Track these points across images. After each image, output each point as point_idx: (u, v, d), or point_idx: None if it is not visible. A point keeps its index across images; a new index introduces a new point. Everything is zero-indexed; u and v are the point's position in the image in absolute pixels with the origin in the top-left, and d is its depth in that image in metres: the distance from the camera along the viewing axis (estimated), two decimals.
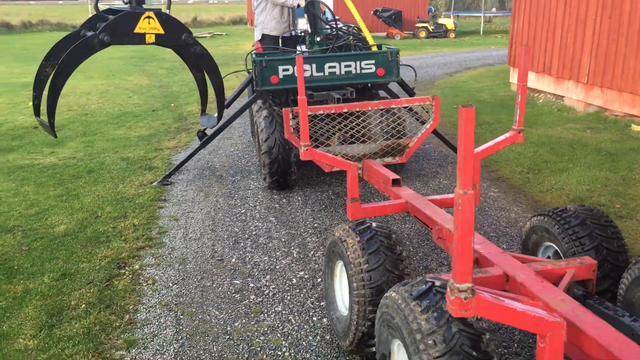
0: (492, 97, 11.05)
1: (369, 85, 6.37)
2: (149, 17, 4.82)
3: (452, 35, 28.00)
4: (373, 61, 5.95)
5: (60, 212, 5.68)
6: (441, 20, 28.98)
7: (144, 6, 4.97)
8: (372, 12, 27.56)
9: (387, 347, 2.64)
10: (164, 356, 3.40)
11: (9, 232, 5.22)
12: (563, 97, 9.98)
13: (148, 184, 6.47)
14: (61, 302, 4.01)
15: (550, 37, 10.01)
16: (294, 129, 4.77)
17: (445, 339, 2.29)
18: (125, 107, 11.23)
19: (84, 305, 3.95)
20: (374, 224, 3.33)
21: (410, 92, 6.79)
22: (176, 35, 5.04)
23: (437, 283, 2.50)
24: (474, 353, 2.27)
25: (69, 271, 4.44)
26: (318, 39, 6.46)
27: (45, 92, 5.07)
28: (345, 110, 4.90)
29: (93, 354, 3.40)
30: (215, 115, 6.02)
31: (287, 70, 5.83)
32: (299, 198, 5.94)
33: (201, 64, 5.48)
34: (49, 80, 4.95)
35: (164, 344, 3.51)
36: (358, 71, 5.95)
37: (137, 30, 4.84)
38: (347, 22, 8.41)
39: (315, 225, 5.23)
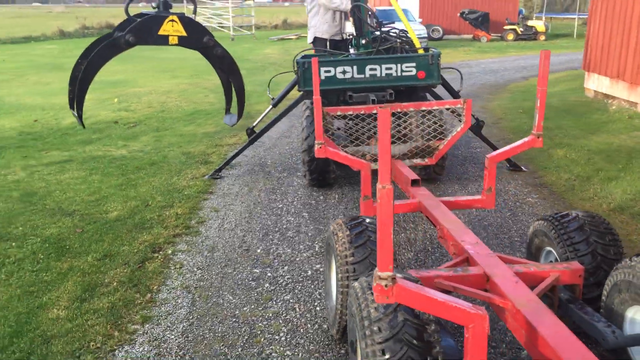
0: (561, 102, 10.73)
1: (415, 87, 6.44)
2: (172, 20, 5.21)
3: (542, 37, 27.12)
4: (414, 64, 6.04)
5: (116, 199, 6.18)
6: (531, 23, 28.11)
7: (171, 10, 5.37)
8: (459, 14, 27.20)
9: (354, 335, 2.80)
10: (172, 332, 3.71)
11: (69, 216, 5.75)
12: (637, 103, 9.56)
13: (200, 177, 6.88)
14: (97, 279, 4.43)
15: (625, 42, 9.61)
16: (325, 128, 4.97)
17: (389, 326, 2.42)
18: (199, 105, 11.83)
19: (115, 284, 4.35)
20: (367, 220, 3.48)
21: (455, 95, 6.80)
22: (198, 38, 5.41)
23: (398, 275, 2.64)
24: (415, 342, 2.40)
25: (110, 252, 4.88)
26: (363, 41, 6.62)
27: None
28: (374, 111, 5.05)
29: (111, 326, 3.76)
30: (236, 114, 6.37)
31: (329, 71, 6.03)
32: (336, 196, 6.14)
33: (223, 65, 5.82)
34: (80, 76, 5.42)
35: (175, 322, 3.83)
36: (399, 74, 6.05)
37: (161, 32, 5.23)
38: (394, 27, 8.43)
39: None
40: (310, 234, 5.17)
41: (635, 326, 2.86)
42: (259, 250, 4.89)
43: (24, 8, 64.99)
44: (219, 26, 30.94)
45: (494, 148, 6.83)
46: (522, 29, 27.37)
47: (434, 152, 5.23)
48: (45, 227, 5.48)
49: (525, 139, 4.36)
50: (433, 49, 6.43)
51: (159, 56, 21.38)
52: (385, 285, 2.08)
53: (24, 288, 4.32)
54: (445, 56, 19.72)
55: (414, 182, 4.57)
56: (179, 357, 3.46)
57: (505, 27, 27.39)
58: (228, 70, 5.91)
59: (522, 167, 6.79)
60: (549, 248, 3.58)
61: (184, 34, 5.34)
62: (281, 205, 5.94)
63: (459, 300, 2.19)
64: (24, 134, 9.73)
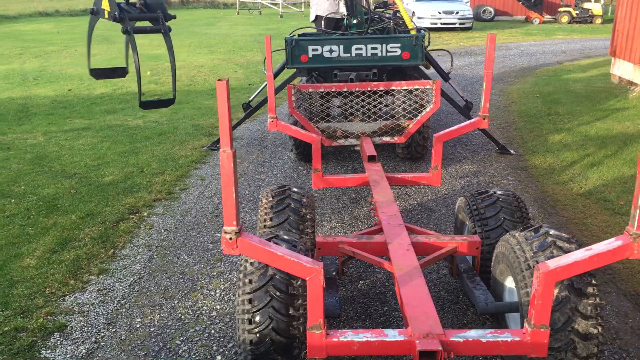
0: (584, 88, 10.54)
1: (403, 67, 6.56)
2: None
3: (599, 21, 26.16)
4: (399, 45, 6.17)
5: (116, 165, 6.62)
6: (587, 5, 27.14)
7: None
8: None
9: None
10: (122, 284, 4.08)
11: (69, 178, 6.23)
12: None
13: (199, 148, 7.25)
14: (73, 235, 4.85)
15: None
16: (295, 104, 5.22)
17: (259, 279, 2.70)
18: (224, 78, 12.17)
19: (87, 239, 4.76)
20: (294, 189, 3.73)
21: (444, 76, 6.90)
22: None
23: (280, 236, 2.91)
24: (279, 294, 2.66)
25: (93, 212, 5.30)
26: (355, 21, 6.77)
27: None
28: (344, 89, 5.26)
29: (69, 276, 4.17)
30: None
31: (316, 50, 6.24)
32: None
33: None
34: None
35: (127, 275, 4.20)
36: (384, 54, 6.20)
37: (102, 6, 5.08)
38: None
39: (316, 195, 5.66)
40: None
41: (512, 295, 3.03)
42: None
43: None
44: (270, 3, 31.24)
45: (484, 132, 6.89)
46: (577, 12, 26.49)
47: (403, 130, 5.40)
48: (45, 187, 5.96)
49: (472, 120, 4.50)
50: (422, 31, 6.54)
51: (205, 32, 21.91)
52: (230, 238, 2.35)
53: (8, 239, 4.79)
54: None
55: (370, 158, 4.78)
56: (120, 304, 3.82)
57: (560, 9, 26.58)
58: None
59: (511, 151, 6.84)
60: (467, 223, 3.75)
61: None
62: (265, 177, 6.23)
63: (297, 255, 2.43)
64: (56, 102, 10.35)
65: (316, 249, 3.45)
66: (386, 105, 5.58)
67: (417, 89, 5.41)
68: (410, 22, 6.84)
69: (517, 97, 9.98)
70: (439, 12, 21.51)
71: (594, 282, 2.66)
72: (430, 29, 21.54)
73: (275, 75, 7.15)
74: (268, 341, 2.64)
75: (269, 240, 2.86)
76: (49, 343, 3.41)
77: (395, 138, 5.40)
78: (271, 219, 3.53)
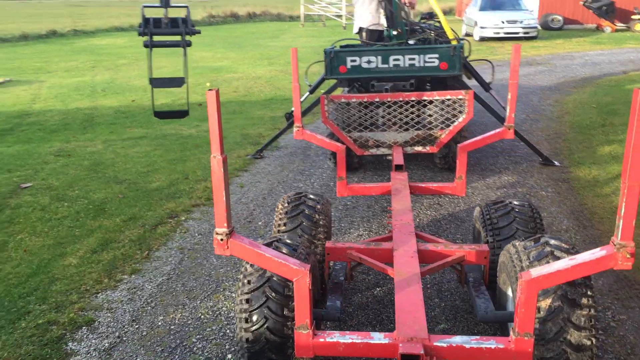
0: None
1: (443, 78, 6.57)
2: None
3: None
4: (436, 55, 6.19)
5: (164, 172, 6.93)
6: None
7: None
8: (582, 2, 25.77)
9: None
10: (151, 283, 4.30)
11: (119, 184, 6.57)
12: None
13: (244, 156, 7.48)
14: (114, 237, 5.14)
15: None
16: (329, 114, 5.34)
17: (257, 280, 2.82)
18: (280, 92, 12.47)
19: (126, 241, 5.03)
20: (310, 196, 3.84)
21: (485, 86, 6.84)
22: None
23: (265, 241, 3.03)
24: (274, 295, 2.77)
25: (135, 216, 5.59)
26: (394, 33, 6.82)
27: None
28: (376, 99, 5.33)
29: (104, 275, 4.43)
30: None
31: (355, 61, 6.35)
32: (355, 179, 6.47)
33: None
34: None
35: (157, 275, 4.42)
36: (422, 64, 6.23)
37: None
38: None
39: (348, 203, 5.74)
40: None
41: (513, 304, 3.02)
42: (260, 223, 5.37)
43: None
44: (334, 15, 31.56)
45: (526, 142, 6.78)
46: None
47: (436, 140, 5.41)
48: (96, 191, 6.32)
49: (497, 130, 4.49)
50: (462, 41, 6.53)
51: (269, 44, 22.41)
52: (221, 239, 2.48)
53: (56, 240, 5.13)
54: (550, 47, 18.97)
55: (397, 167, 4.83)
56: (146, 303, 4.04)
57: (633, 17, 25.55)
58: None
59: (555, 162, 6.70)
60: (483, 232, 3.75)
61: None
62: (302, 185, 6.37)
63: (285, 257, 2.54)
64: (119, 112, 10.90)
65: (325, 254, 3.54)
66: (417, 116, 5.61)
67: (449, 99, 5.43)
68: (451, 33, 6.84)
69: (572, 108, 9.73)
70: (502, 22, 21.16)
71: (589, 293, 2.63)
72: (492, 39, 21.35)
73: (317, 86, 7.33)
74: (263, 340, 2.75)
75: (271, 243, 2.98)
76: (76, 336, 3.65)
77: (427, 148, 5.41)
78: (285, 224, 3.65)
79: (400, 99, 5.34)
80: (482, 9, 22.57)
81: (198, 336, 3.61)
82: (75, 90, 13.38)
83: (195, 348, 3.50)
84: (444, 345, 2.47)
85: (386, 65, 6.31)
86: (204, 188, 6.31)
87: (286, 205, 3.75)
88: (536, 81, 12.60)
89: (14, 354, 3.44)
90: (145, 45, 5.23)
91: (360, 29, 7.69)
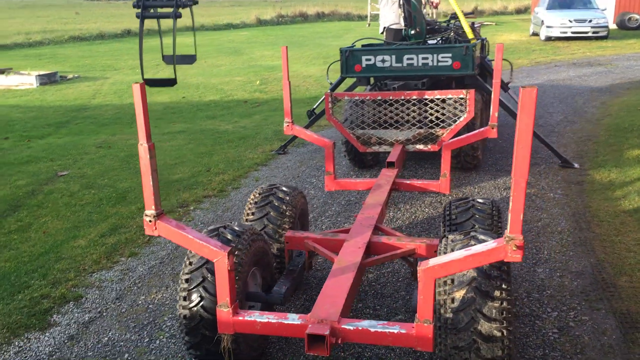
0: None
1: (460, 77, 6.56)
2: None
3: None
4: (449, 54, 6.20)
5: (189, 164, 7.28)
6: None
7: None
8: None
9: None
10: (143, 266, 4.60)
11: None
12: None
13: (269, 152, 7.73)
14: (125, 222, 5.49)
15: None
16: (332, 111, 5.50)
17: (197, 261, 3.03)
18: (326, 90, 12.63)
19: (134, 227, 5.37)
20: (282, 187, 4.01)
21: (504, 86, 6.77)
22: None
23: (213, 227, 3.22)
24: (210, 275, 2.97)
25: None
26: (412, 32, 6.86)
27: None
28: (378, 97, 5.44)
29: (104, 256, 4.77)
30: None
31: (370, 60, 6.46)
32: (368, 175, 6.57)
33: None
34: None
35: (151, 259, 4.72)
36: (435, 64, 6.26)
37: None
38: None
39: (352, 198, 5.86)
40: (315, 205, 5.73)
41: None
42: None
43: None
44: None
45: (544, 143, 6.66)
46: None
47: (437, 139, 5.45)
48: (123, 181, 6.74)
49: (481, 129, 4.51)
50: (479, 41, 6.50)
51: (330, 43, 22.64)
52: (149, 221, 2.70)
53: (74, 223, 5.54)
54: (618, 48, 18.21)
55: (389, 164, 4.93)
56: (133, 283, 4.33)
57: None
58: None
59: (574, 164, 6.55)
60: (442, 227, 3.79)
61: None
62: (315, 180, 6.54)
63: (207, 239, 2.72)
64: (168, 108, 11.43)
65: (285, 243, 3.70)
66: (419, 114, 5.66)
67: (450, 98, 5.46)
68: (471, 32, 6.82)
69: (615, 110, 9.39)
70: (570, 21, 20.46)
71: (503, 286, 2.67)
72: (559, 39, 20.68)
73: (337, 85, 7.48)
74: (198, 317, 2.95)
75: (217, 229, 3.18)
76: (62, 310, 3.98)
77: (429, 146, 5.46)
78: (253, 214, 3.84)
79: (402, 97, 5.42)
80: (550, 7, 21.92)
81: (170, 315, 3.86)
82: None
83: (164, 326, 3.75)
84: (351, 328, 2.59)
85: (400, 64, 6.38)
86: (220, 180, 6.59)
87: (257, 196, 3.94)
88: (589, 82, 12.20)
89: (2, 322, 3.81)
90: (137, 17, 5.48)
91: (384, 29, 7.77)
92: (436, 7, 8.17)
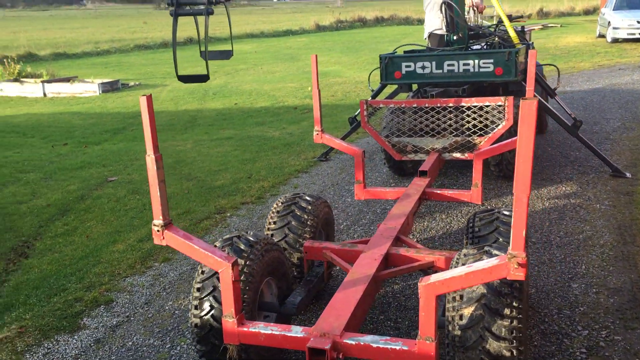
0: None
1: (505, 83, 6.39)
2: None
3: None
4: (491, 60, 6.04)
5: (231, 171, 7.38)
6: None
7: None
8: None
9: None
10: (175, 272, 4.68)
11: (190, 180, 7.11)
12: None
13: (311, 159, 7.74)
14: None
15: None
16: (368, 119, 5.46)
17: (209, 270, 3.05)
18: None
19: None
20: (306, 197, 4.00)
21: (550, 92, 6.53)
22: None
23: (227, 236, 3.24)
24: (215, 280, 2.99)
25: (189, 210, 6.05)
26: (455, 38, 6.71)
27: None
28: (414, 104, 5.36)
29: (139, 262, 4.89)
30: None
31: (409, 66, 6.37)
32: (407, 184, 6.47)
33: None
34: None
35: (183, 265, 4.80)
36: (476, 70, 6.11)
37: None
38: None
39: (389, 207, 5.79)
40: (350, 213, 5.69)
41: None
42: None
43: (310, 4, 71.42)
44: None
45: (594, 152, 6.39)
46: None
47: (475, 147, 5.32)
48: (167, 187, 6.87)
49: (514, 138, 4.36)
50: (527, 44, 6.31)
51: (386, 49, 22.48)
52: (157, 230, 2.75)
53: (116, 228, 5.71)
54: None
55: (421, 173, 4.85)
56: (163, 289, 4.42)
57: None
58: None
59: (626, 174, 6.25)
60: (465, 239, 3.69)
61: None
62: (352, 187, 6.50)
63: (213, 249, 2.73)
64: (220, 114, 11.64)
65: (304, 253, 3.69)
66: (456, 122, 5.54)
67: (487, 106, 5.31)
68: (516, 37, 6.62)
69: None
70: (638, 22, 19.59)
71: (514, 304, 2.57)
72: (626, 40, 19.84)
73: (378, 92, 7.43)
74: (208, 326, 2.98)
75: (231, 238, 3.20)
76: (93, 313, 4.10)
77: (466, 155, 5.34)
78: (275, 223, 3.85)
79: (438, 105, 5.32)
80: (617, 8, 21.07)
81: None
82: (190, 93, 14.42)
83: (187, 332, 3.80)
84: (353, 342, 2.55)
85: (440, 71, 6.27)
86: (260, 187, 6.65)
87: (279, 205, 3.95)
88: None
89: (35, 324, 3.96)
90: (171, 14, 5.56)
91: (430, 34, 7.65)
92: (481, 12, 7.99)
